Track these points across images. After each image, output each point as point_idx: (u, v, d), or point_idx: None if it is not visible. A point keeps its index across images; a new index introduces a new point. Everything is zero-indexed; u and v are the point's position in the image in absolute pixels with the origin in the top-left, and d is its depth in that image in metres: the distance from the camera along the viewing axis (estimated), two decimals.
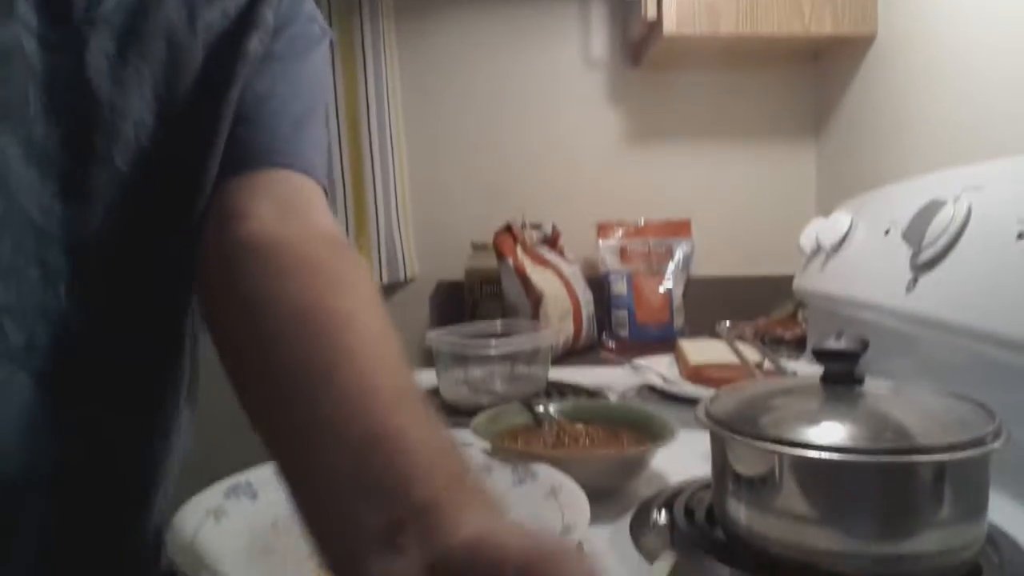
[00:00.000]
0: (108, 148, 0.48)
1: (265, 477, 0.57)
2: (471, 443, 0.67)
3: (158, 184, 0.50)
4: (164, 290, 0.53)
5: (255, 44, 0.52)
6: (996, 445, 0.46)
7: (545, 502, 0.57)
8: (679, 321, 1.45)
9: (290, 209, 0.51)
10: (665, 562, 0.49)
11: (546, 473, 0.60)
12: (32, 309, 0.47)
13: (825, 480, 0.47)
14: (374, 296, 0.46)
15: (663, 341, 1.32)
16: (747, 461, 0.50)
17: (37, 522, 0.49)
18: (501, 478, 0.62)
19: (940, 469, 0.46)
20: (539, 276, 1.35)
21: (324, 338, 0.41)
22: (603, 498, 0.60)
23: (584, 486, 0.57)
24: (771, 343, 1.24)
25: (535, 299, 1.32)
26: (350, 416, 0.37)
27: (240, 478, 0.58)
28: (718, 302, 1.43)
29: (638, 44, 1.54)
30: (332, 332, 0.41)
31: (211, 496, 0.56)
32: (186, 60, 0.51)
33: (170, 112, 0.50)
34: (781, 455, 0.48)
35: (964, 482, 0.46)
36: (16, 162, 0.46)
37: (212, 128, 0.51)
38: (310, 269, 0.45)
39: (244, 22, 0.52)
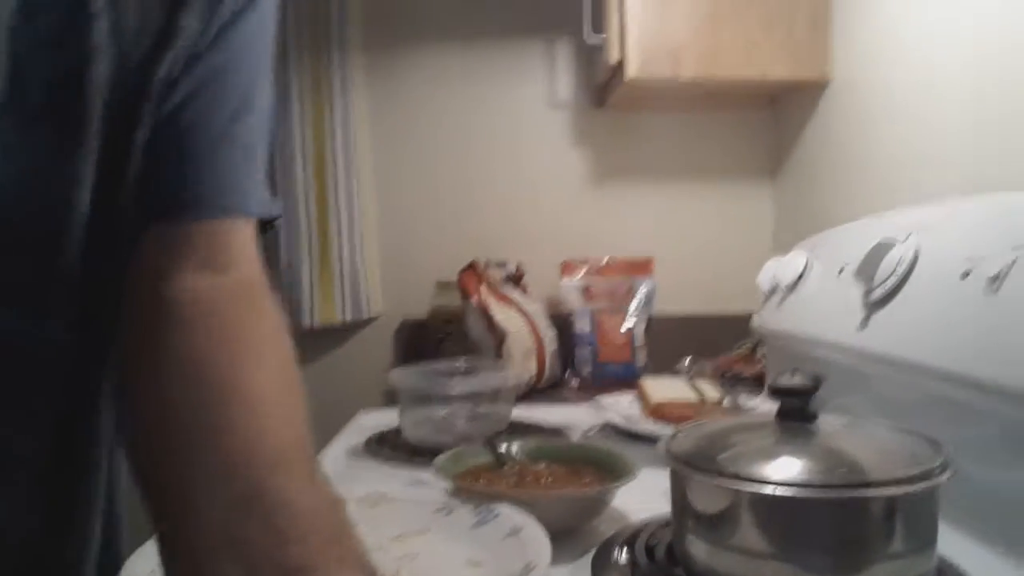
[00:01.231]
0: None
1: None
2: (431, 484, 0.67)
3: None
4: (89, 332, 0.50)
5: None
6: (944, 478, 0.47)
7: (506, 542, 0.57)
8: (641, 359, 1.46)
9: (208, 262, 0.47)
10: None
11: (508, 513, 0.60)
12: None
13: (780, 515, 0.48)
14: (281, 351, 0.44)
15: (626, 379, 1.32)
16: (705, 498, 0.51)
17: None
18: (463, 518, 0.61)
19: (891, 503, 0.47)
20: (503, 315, 1.35)
21: (217, 395, 0.40)
22: (565, 537, 0.60)
23: (546, 525, 0.57)
24: (731, 380, 1.25)
25: (499, 337, 1.32)
26: (232, 474, 0.36)
27: None
28: (679, 340, 1.44)
29: (602, 86, 1.58)
30: (227, 389, 0.40)
31: None
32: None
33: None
34: (737, 491, 0.48)
35: (914, 515, 0.48)
36: None
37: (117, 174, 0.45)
38: (216, 322, 0.44)
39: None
